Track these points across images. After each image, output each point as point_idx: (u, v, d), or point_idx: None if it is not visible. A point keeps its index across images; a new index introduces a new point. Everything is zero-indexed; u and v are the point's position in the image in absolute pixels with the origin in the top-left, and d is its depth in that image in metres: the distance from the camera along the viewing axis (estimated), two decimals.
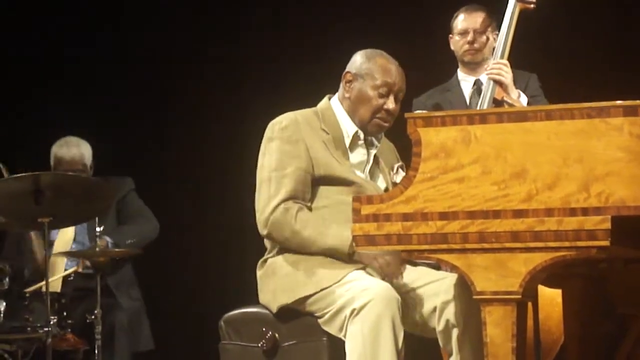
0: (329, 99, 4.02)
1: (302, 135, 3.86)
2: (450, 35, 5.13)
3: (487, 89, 4.84)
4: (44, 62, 6.68)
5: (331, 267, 3.72)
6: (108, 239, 5.27)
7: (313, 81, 4.06)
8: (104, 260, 5.04)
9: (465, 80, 5.13)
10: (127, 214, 5.55)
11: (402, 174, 4.00)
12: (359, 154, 3.95)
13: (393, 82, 3.90)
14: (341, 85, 3.99)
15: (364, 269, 3.75)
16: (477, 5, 5.14)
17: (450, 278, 3.72)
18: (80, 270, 5.25)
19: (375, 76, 3.90)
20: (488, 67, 4.86)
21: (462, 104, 5.06)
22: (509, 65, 4.83)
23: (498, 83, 4.81)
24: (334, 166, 3.86)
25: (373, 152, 3.98)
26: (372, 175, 3.97)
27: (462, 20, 5.08)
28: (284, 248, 3.83)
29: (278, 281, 3.80)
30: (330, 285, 3.68)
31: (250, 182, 3.97)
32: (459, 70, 5.17)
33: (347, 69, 3.97)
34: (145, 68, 6.62)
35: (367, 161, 3.96)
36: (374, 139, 3.98)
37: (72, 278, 5.34)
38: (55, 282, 5.22)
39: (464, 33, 5.07)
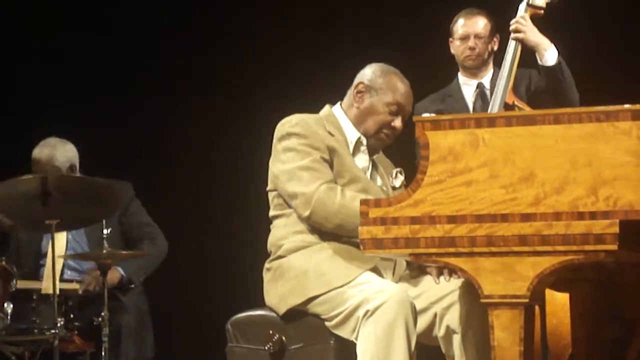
0: (331, 107, 4.03)
1: (314, 130, 3.87)
2: (451, 39, 5.10)
3: (509, 53, 4.82)
4: (44, 62, 6.69)
5: (341, 268, 3.72)
6: (121, 271, 5.27)
7: (319, 87, 4.07)
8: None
9: (467, 85, 5.11)
10: (134, 231, 5.44)
11: (400, 178, 4.04)
12: (361, 159, 3.96)
13: (404, 103, 3.95)
14: (350, 93, 4.01)
15: (373, 269, 3.75)
16: (477, 9, 5.11)
17: (449, 284, 3.73)
18: (80, 292, 5.13)
19: (389, 93, 3.93)
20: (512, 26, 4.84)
21: (464, 109, 5.04)
22: (526, 17, 4.82)
23: (520, 42, 4.81)
24: (346, 160, 3.88)
25: (374, 157, 4.01)
26: (372, 180, 3.98)
27: (462, 25, 5.05)
28: (321, 232, 3.77)
29: (286, 284, 3.79)
30: (342, 285, 3.68)
31: (255, 183, 3.97)
32: (459, 74, 5.15)
33: (359, 80, 3.99)
34: (145, 68, 6.61)
35: (369, 167, 3.99)
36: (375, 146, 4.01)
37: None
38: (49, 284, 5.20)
39: (464, 38, 5.05)
